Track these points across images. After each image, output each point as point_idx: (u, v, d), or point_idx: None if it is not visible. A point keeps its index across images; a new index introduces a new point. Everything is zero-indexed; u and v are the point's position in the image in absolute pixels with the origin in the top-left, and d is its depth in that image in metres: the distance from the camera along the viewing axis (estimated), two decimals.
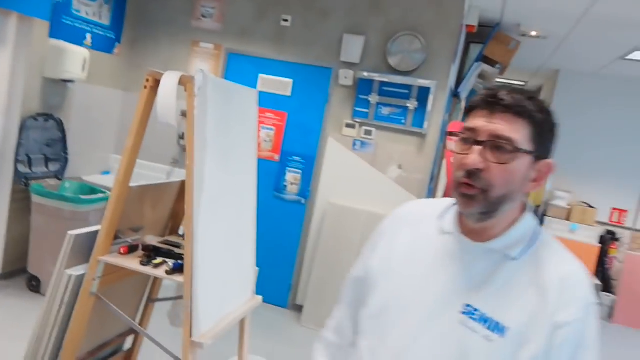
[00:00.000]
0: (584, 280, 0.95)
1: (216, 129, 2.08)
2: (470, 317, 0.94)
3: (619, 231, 6.33)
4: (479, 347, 0.92)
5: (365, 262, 1.13)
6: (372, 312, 1.05)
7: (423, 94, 3.97)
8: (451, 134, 1.00)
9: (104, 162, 4.67)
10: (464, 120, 1.00)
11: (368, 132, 4.16)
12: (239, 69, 4.49)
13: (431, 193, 4.55)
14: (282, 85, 4.36)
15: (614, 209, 6.37)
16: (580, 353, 0.91)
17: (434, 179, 4.56)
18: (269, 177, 4.39)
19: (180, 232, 2.65)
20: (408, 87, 4.00)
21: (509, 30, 4.94)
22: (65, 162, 4.05)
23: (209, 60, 4.59)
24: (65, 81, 3.98)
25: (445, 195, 3.95)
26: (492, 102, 0.93)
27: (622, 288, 5.92)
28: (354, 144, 4.20)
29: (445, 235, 1.03)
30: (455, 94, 4.89)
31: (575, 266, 0.97)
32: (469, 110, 0.98)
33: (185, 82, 1.93)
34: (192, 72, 4.64)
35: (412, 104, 4.00)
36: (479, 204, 0.93)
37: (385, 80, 4.02)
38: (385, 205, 4.01)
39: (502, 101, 0.92)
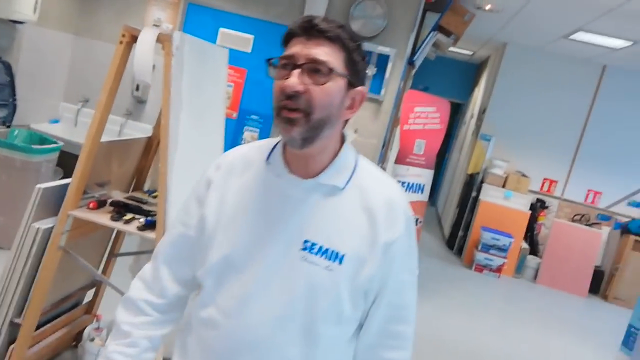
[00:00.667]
0: (402, 199, 1.06)
1: (190, 88, 2.09)
2: (310, 252, 0.99)
3: (548, 200, 6.85)
4: (322, 279, 0.98)
5: (193, 218, 1.10)
6: (212, 267, 1.03)
7: (382, 61, 4.06)
8: (269, 61, 0.99)
9: (53, 110, 4.48)
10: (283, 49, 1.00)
11: None
12: (198, 21, 4.38)
13: (382, 158, 4.73)
14: (242, 41, 4.31)
15: (546, 179, 6.87)
16: (407, 260, 1.05)
17: (386, 144, 4.73)
18: (227, 134, 4.37)
19: (145, 188, 2.66)
20: (368, 53, 4.07)
21: (466, 2, 5.07)
22: (13, 108, 3.85)
23: (166, 10, 4.44)
24: (14, 22, 3.74)
25: (397, 161, 4.14)
26: (308, 28, 0.96)
27: (547, 252, 6.47)
28: None
29: (274, 177, 1.04)
30: (410, 62, 5.02)
31: (394, 188, 1.07)
32: (286, 39, 0.99)
33: (163, 41, 1.91)
34: (149, 22, 4.50)
35: (371, 70, 4.08)
36: (300, 127, 0.95)
37: None
38: None
39: (317, 27, 0.95)
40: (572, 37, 5.58)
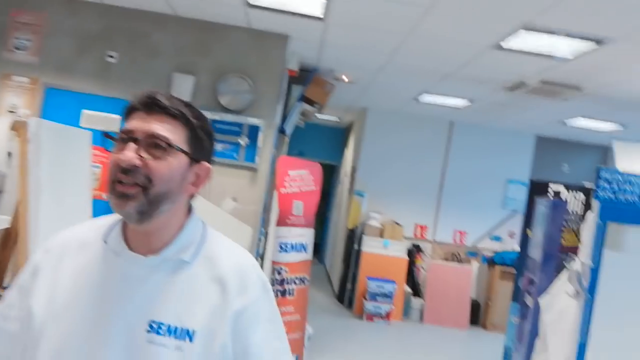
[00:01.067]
0: (254, 265, 1.04)
1: (50, 174, 2.07)
2: (158, 333, 0.93)
3: (422, 244, 7.42)
4: (171, 359, 0.92)
5: (13, 309, 0.98)
6: None
7: (253, 131, 4.28)
8: (107, 134, 0.97)
9: None
10: (123, 123, 0.99)
11: None
12: (58, 103, 4.28)
13: (264, 222, 4.86)
14: (109, 121, 4.28)
15: (417, 224, 7.47)
16: (270, 325, 1.01)
17: (266, 209, 4.88)
18: (99, 215, 4.23)
19: (6, 283, 2.48)
20: (239, 124, 4.27)
21: (325, 74, 5.58)
22: None
23: (23, 95, 4.29)
24: None
25: (278, 224, 4.29)
26: (149, 104, 0.95)
27: (428, 293, 6.94)
28: None
29: (113, 256, 0.98)
30: (281, 131, 5.33)
31: (245, 255, 1.05)
32: (127, 113, 0.97)
33: (17, 128, 1.90)
34: (3, 108, 4.30)
35: (243, 141, 4.28)
36: (136, 202, 0.92)
37: (217, 118, 4.24)
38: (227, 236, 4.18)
39: (159, 103, 0.95)
40: (419, 98, 6.34)
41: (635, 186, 2.38)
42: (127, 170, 0.92)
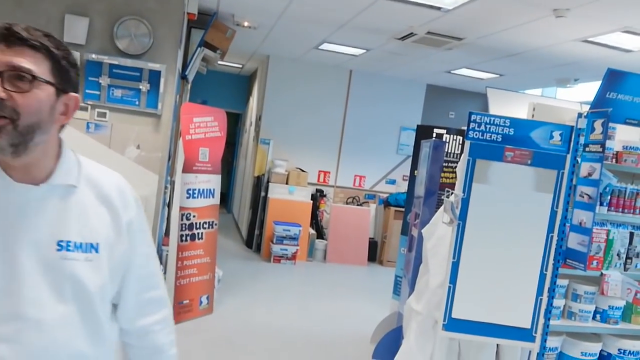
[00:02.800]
0: (126, 184, 1.18)
1: None
2: (67, 250, 1.03)
3: (325, 189, 7.81)
4: (85, 271, 1.04)
5: None
6: None
7: (154, 77, 4.21)
8: None
9: None
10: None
11: (102, 114, 4.20)
12: None
13: (169, 170, 4.88)
14: None
15: (320, 171, 7.82)
16: (144, 235, 1.19)
17: (171, 156, 4.89)
18: None
19: None
20: (139, 69, 4.18)
21: (226, 19, 5.53)
22: None
23: None
24: None
25: (185, 170, 4.35)
26: (7, 35, 0.95)
27: (331, 234, 7.39)
28: (88, 126, 4.19)
29: (1, 190, 1.01)
30: (183, 76, 5.27)
31: (118, 176, 1.18)
32: None
33: None
34: None
35: (144, 86, 4.20)
36: (7, 134, 0.95)
37: (115, 62, 4.11)
38: (131, 185, 4.17)
39: (17, 34, 0.95)
40: (320, 47, 6.51)
41: (498, 127, 2.78)
42: None
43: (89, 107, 4.16)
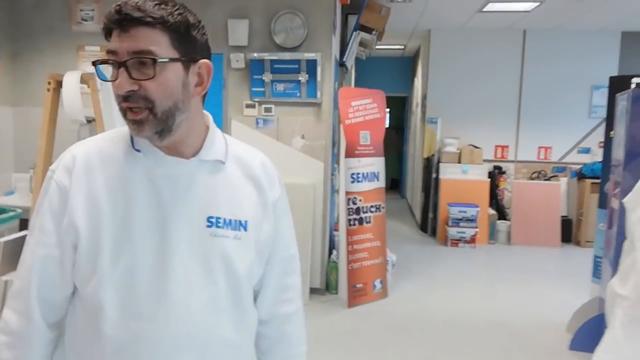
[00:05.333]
0: (271, 163, 1.14)
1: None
2: (217, 227, 1.00)
3: (504, 165, 7.15)
4: (234, 248, 1.01)
5: (56, 236, 0.98)
6: (113, 276, 0.95)
7: (311, 67, 4.28)
8: (94, 63, 0.95)
9: (5, 183, 4.53)
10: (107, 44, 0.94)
11: (268, 110, 4.41)
12: None
13: (335, 157, 4.93)
14: None
15: (497, 145, 7.18)
16: (288, 216, 1.16)
17: (335, 143, 4.94)
18: None
19: None
20: (297, 61, 4.28)
21: None
22: None
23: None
24: None
25: (347, 155, 4.33)
26: (119, 20, 0.89)
27: (515, 214, 6.74)
28: (257, 123, 4.44)
29: (153, 163, 0.99)
30: (341, 64, 5.27)
31: (263, 155, 1.14)
32: (106, 34, 0.93)
33: (87, 79, 2.07)
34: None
35: (303, 77, 4.29)
36: (149, 124, 0.92)
37: (275, 58, 4.27)
38: (299, 174, 4.32)
39: (130, 15, 0.89)
40: (485, 9, 5.94)
41: None
42: (127, 96, 0.91)
43: (256, 104, 4.40)
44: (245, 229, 1.03)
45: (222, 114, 4.43)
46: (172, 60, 0.92)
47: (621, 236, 2.87)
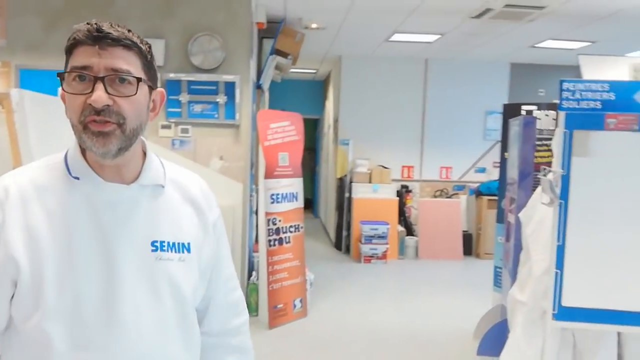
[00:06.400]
0: (207, 185, 1.17)
1: (40, 142, 2.15)
2: (162, 251, 1.02)
3: (410, 184, 7.60)
4: (179, 270, 1.03)
5: None
6: (58, 308, 0.93)
7: (230, 89, 4.32)
8: (60, 74, 0.96)
9: None
10: (67, 59, 0.96)
11: (185, 130, 4.37)
12: (35, 84, 4.27)
13: (253, 178, 4.97)
14: None
15: (404, 166, 7.62)
16: (224, 237, 1.19)
17: (253, 164, 4.98)
18: None
19: None
20: (215, 83, 4.30)
21: (294, 24, 5.56)
22: None
23: None
24: None
25: (267, 176, 4.39)
26: (99, 37, 0.92)
27: (421, 230, 7.16)
28: (173, 143, 4.38)
29: (92, 190, 0.99)
30: (258, 86, 5.36)
31: (200, 178, 1.17)
32: (71, 47, 0.94)
33: (1, 100, 1.96)
34: None
35: (221, 99, 4.32)
36: (116, 139, 0.94)
37: (192, 79, 4.26)
38: (218, 196, 4.21)
39: (109, 35, 0.92)
40: (391, 39, 6.34)
41: (596, 93, 2.49)
42: (100, 111, 0.92)
43: (172, 124, 4.34)
44: (188, 251, 1.05)
45: None
46: (145, 82, 0.98)
47: (518, 248, 3.20)
